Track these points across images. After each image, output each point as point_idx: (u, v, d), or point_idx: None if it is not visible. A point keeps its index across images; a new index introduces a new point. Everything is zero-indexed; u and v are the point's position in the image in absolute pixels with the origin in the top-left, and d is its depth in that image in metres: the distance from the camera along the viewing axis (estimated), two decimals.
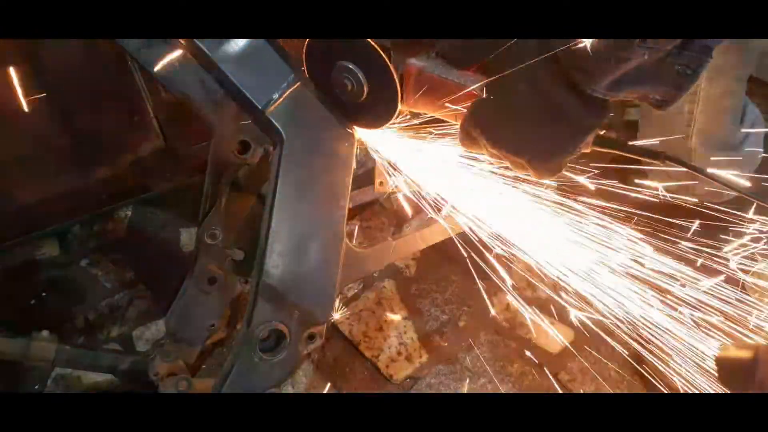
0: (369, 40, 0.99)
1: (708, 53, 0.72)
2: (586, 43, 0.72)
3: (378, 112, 1.09)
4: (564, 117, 0.83)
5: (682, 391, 1.16)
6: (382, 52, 0.99)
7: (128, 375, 1.33)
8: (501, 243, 1.20)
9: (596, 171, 1.11)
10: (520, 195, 1.17)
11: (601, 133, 0.92)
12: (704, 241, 1.19)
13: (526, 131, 0.88)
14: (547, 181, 1.06)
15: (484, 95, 0.91)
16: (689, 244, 1.18)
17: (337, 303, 1.25)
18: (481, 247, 1.24)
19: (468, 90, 0.97)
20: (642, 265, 1.12)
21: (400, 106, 1.06)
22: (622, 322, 1.17)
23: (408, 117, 1.16)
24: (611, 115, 0.85)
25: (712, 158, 1.54)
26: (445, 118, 1.07)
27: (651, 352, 1.30)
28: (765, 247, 1.23)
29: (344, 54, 1.05)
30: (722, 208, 1.30)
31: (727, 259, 1.21)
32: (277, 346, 1.24)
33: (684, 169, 0.92)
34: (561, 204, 1.16)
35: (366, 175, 1.33)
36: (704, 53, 0.72)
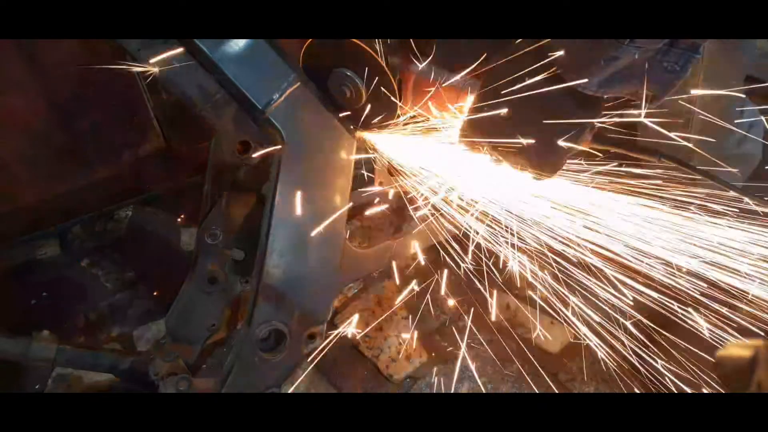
0: (367, 48, 1.00)
1: (695, 50, 0.74)
2: (578, 43, 0.74)
3: (377, 116, 1.10)
4: (558, 116, 0.84)
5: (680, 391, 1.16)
6: (379, 59, 1.00)
7: (129, 375, 1.32)
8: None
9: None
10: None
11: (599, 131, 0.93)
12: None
13: (524, 132, 0.89)
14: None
15: (480, 98, 0.92)
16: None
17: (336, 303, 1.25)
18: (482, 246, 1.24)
19: (464, 92, 0.98)
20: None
21: (398, 111, 1.07)
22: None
23: (408, 118, 1.16)
24: (609, 113, 0.86)
25: (710, 158, 1.54)
26: (442, 119, 1.08)
27: (651, 350, 1.30)
28: None
29: (342, 62, 1.05)
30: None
31: None
32: (277, 346, 1.24)
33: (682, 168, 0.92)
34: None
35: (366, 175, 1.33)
36: (692, 50, 0.74)
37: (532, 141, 0.89)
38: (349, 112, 1.14)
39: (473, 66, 0.99)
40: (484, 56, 0.92)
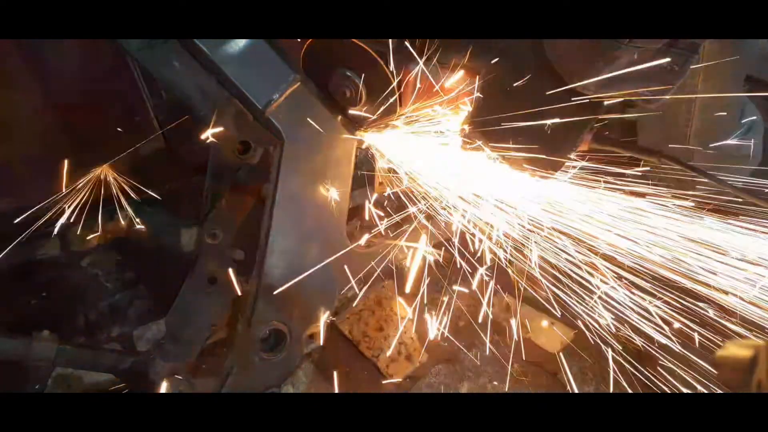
0: (367, 48, 1.01)
1: (694, 50, 0.74)
2: (577, 43, 0.74)
3: (377, 116, 1.10)
4: (558, 117, 0.85)
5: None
6: (379, 59, 1.00)
7: (129, 375, 1.32)
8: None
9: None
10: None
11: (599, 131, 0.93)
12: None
13: (524, 133, 0.89)
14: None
15: (481, 99, 0.93)
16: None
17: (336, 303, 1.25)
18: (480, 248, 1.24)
19: (464, 92, 0.98)
20: None
21: (398, 110, 1.07)
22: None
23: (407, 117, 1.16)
24: (609, 113, 0.87)
25: (709, 158, 1.54)
26: (442, 118, 1.08)
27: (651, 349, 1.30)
28: None
29: (342, 62, 1.06)
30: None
31: None
32: (277, 346, 1.24)
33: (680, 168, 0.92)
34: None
35: (366, 175, 1.33)
36: (690, 50, 0.74)
37: (531, 141, 0.89)
38: (349, 112, 1.14)
39: (473, 66, 0.99)
40: (482, 58, 0.92)
